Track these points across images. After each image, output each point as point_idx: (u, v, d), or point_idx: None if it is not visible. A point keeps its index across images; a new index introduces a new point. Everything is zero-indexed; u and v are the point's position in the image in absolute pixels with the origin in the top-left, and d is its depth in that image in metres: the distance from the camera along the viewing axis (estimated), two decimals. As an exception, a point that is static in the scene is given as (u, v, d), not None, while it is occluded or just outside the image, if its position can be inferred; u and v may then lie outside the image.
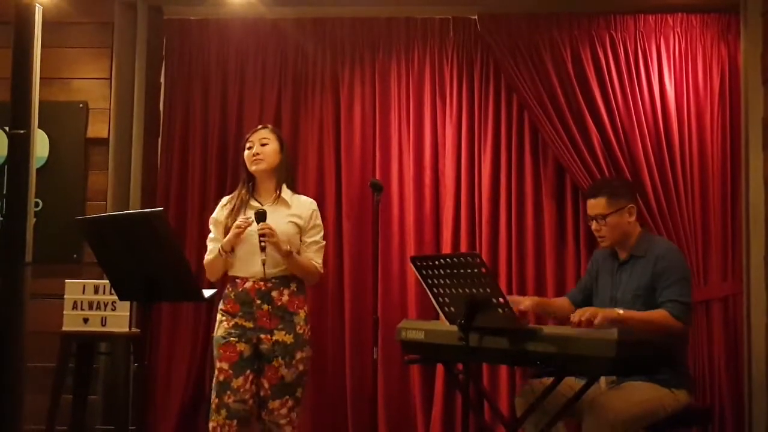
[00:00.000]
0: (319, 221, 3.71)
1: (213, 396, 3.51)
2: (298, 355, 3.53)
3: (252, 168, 3.63)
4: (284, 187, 3.67)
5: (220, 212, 3.68)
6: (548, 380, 3.16)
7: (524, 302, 3.60)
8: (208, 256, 3.63)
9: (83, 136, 4.70)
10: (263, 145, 3.63)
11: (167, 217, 4.46)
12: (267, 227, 3.44)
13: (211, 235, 3.67)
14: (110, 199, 4.61)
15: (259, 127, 3.75)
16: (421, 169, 4.69)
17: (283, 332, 3.51)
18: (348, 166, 4.72)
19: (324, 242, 3.71)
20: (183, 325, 4.65)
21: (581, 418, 3.26)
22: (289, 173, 3.74)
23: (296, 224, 3.61)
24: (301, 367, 3.54)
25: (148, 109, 4.72)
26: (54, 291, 4.24)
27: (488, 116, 4.66)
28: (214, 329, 3.62)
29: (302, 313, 3.59)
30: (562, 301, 3.84)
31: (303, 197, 3.75)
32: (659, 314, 3.35)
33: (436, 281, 3.08)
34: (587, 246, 4.47)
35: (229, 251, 3.52)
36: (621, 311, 3.28)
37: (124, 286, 3.13)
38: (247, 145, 3.66)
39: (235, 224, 3.51)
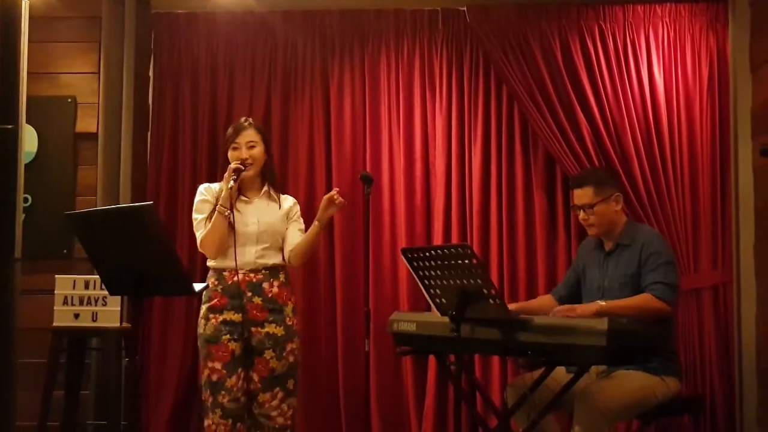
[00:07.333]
0: (299, 212, 3.73)
1: (207, 394, 3.50)
2: (288, 347, 3.55)
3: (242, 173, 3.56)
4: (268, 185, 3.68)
5: (209, 193, 3.60)
6: (539, 373, 3.17)
7: None
8: (204, 230, 3.51)
9: (72, 130, 4.68)
10: (251, 147, 3.58)
11: (157, 211, 4.45)
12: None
13: (200, 216, 3.57)
14: (100, 194, 4.59)
15: (243, 122, 3.65)
16: (411, 161, 4.69)
17: (274, 324, 3.52)
18: (338, 158, 4.71)
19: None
20: (175, 320, 4.64)
21: (572, 408, 3.27)
22: (273, 170, 3.72)
23: (285, 219, 3.66)
24: (291, 359, 3.55)
25: (137, 103, 4.70)
26: (44, 287, 4.21)
27: (478, 107, 4.66)
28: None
29: (291, 305, 3.60)
30: (542, 300, 3.85)
31: (285, 195, 3.76)
32: (642, 298, 3.37)
33: (427, 273, 3.09)
34: (578, 236, 4.47)
35: (229, 208, 3.46)
36: (603, 303, 3.29)
37: (115, 280, 3.11)
38: (233, 145, 3.59)
39: (227, 173, 3.50)
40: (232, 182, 3.47)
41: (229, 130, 3.67)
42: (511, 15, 4.61)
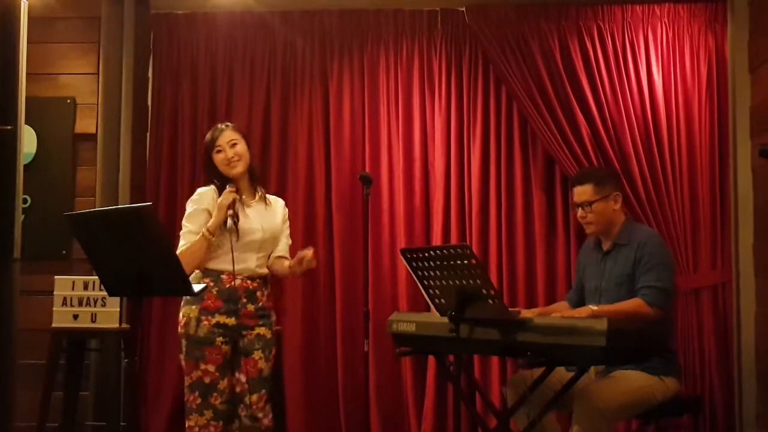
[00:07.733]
0: (287, 219, 3.74)
1: (194, 395, 3.44)
2: (273, 351, 3.59)
3: (232, 172, 3.54)
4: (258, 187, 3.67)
5: (206, 200, 3.55)
6: (539, 370, 3.17)
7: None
8: (187, 245, 3.46)
9: (71, 131, 4.68)
10: (233, 146, 3.56)
11: (156, 212, 4.45)
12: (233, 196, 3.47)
13: (189, 226, 3.52)
14: (99, 195, 4.59)
15: (221, 127, 3.62)
16: (410, 162, 4.69)
17: (263, 327, 3.55)
18: (338, 158, 4.72)
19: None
20: (174, 321, 4.61)
21: (571, 408, 3.27)
22: (257, 168, 3.73)
23: (281, 225, 3.68)
24: (272, 362, 3.60)
25: (137, 103, 4.70)
26: (43, 287, 4.23)
27: (477, 107, 4.66)
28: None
29: (274, 313, 3.65)
30: (560, 305, 3.84)
31: (274, 196, 3.75)
32: (633, 303, 3.36)
33: (426, 273, 3.09)
34: (577, 236, 4.48)
35: (215, 232, 3.44)
36: (594, 307, 3.28)
37: (114, 281, 3.11)
38: (216, 148, 3.56)
39: (219, 202, 3.46)
40: (230, 220, 3.43)
41: (207, 137, 3.63)
42: (510, 15, 4.61)
